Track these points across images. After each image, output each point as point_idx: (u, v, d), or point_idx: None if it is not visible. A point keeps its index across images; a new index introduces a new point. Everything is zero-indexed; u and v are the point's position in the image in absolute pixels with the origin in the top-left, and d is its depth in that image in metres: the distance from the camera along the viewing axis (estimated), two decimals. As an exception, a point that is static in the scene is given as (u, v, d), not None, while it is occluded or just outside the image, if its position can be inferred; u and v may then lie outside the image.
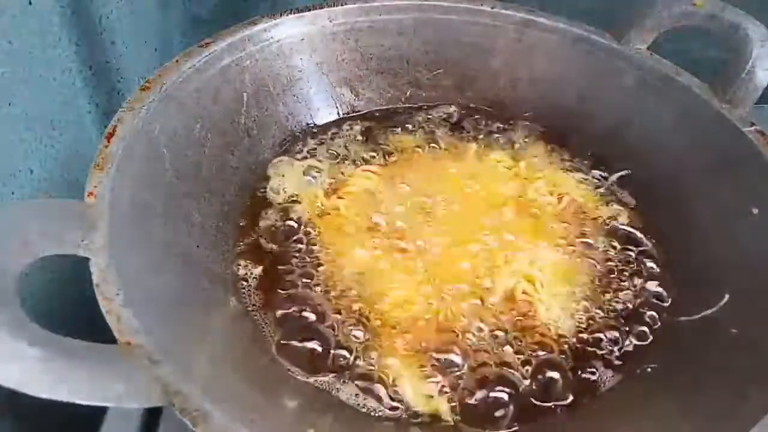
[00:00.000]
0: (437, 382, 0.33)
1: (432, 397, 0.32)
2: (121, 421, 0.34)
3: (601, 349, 0.35)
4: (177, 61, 0.39)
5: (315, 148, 0.46)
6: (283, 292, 0.36)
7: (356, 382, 0.32)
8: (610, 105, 0.47)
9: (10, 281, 0.24)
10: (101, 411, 0.34)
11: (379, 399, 0.32)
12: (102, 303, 0.25)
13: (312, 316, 0.35)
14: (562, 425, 0.32)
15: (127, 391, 0.22)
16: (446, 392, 0.32)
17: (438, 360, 0.33)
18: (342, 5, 0.48)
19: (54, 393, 0.21)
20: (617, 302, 0.38)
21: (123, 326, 0.25)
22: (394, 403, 0.32)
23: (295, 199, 0.41)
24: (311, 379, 0.32)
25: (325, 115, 0.49)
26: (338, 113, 0.49)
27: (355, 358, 0.33)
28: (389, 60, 0.50)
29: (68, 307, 0.47)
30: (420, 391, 0.32)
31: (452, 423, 0.31)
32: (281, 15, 0.46)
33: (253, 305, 0.35)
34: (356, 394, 0.32)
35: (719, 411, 0.30)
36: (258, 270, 0.37)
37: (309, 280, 0.37)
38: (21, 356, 0.22)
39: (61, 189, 0.47)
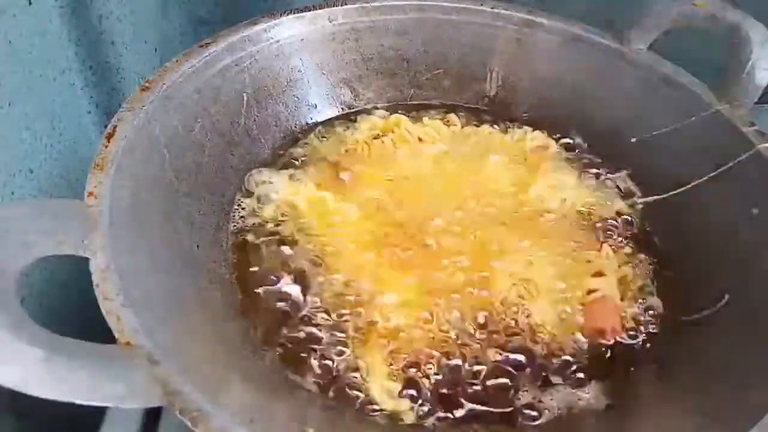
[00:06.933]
0: (429, 388, 0.32)
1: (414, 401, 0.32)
2: (121, 421, 0.34)
3: (601, 350, 0.35)
4: (177, 61, 0.39)
5: (313, 148, 0.46)
6: (280, 292, 0.36)
7: (352, 382, 0.32)
8: (610, 105, 0.47)
9: (10, 281, 0.24)
10: (101, 411, 0.34)
11: (373, 401, 0.32)
12: (102, 303, 0.25)
13: (308, 317, 0.35)
14: (563, 427, 0.32)
15: (127, 391, 0.22)
16: (439, 395, 0.32)
17: (430, 364, 0.33)
18: (342, 5, 0.48)
19: (54, 393, 0.21)
20: (617, 302, 0.38)
21: (123, 326, 0.25)
22: (386, 406, 0.32)
23: (291, 201, 0.41)
24: (308, 380, 0.32)
25: (325, 115, 0.49)
26: (338, 113, 0.49)
27: (351, 360, 0.33)
28: (389, 60, 0.50)
29: (68, 307, 0.48)
30: (394, 394, 0.32)
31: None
32: (281, 15, 0.45)
33: (252, 305, 0.35)
34: (352, 395, 0.32)
35: (719, 411, 0.30)
36: (256, 269, 0.37)
37: (305, 280, 0.36)
38: (21, 356, 0.22)
39: (61, 189, 0.47)
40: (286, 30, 0.46)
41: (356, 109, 0.50)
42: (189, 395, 0.23)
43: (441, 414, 0.32)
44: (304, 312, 0.35)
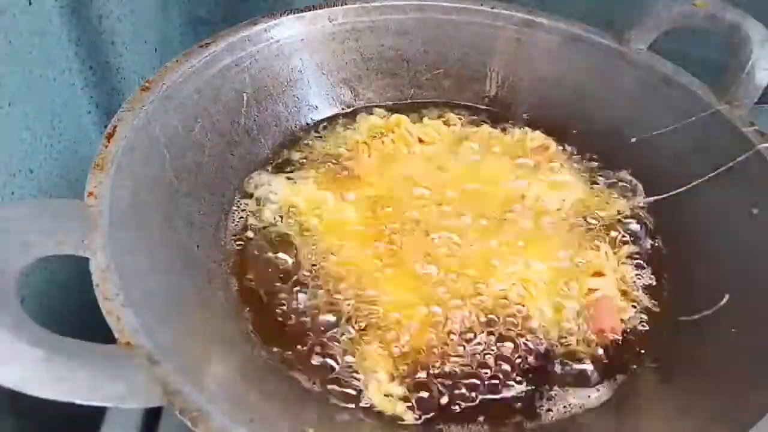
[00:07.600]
0: (429, 388, 0.32)
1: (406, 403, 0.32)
2: (121, 421, 0.34)
3: (601, 349, 0.35)
4: (177, 61, 0.39)
5: (313, 148, 0.46)
6: (280, 292, 0.36)
7: (352, 383, 0.32)
8: (610, 105, 0.47)
9: (10, 281, 0.24)
10: (101, 411, 0.34)
11: (373, 402, 0.32)
12: (102, 303, 0.25)
13: (308, 317, 0.35)
14: (565, 427, 0.32)
15: (127, 391, 0.22)
16: (439, 396, 0.32)
17: (430, 365, 0.33)
18: (342, 5, 0.48)
19: (54, 393, 0.22)
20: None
21: (123, 326, 0.25)
22: (386, 407, 0.32)
23: (292, 200, 0.41)
24: (308, 380, 0.32)
25: (325, 115, 0.49)
26: (338, 113, 0.49)
27: (351, 360, 0.33)
28: (389, 60, 0.50)
29: (68, 307, 0.48)
30: (394, 395, 0.32)
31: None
32: (281, 15, 0.46)
33: (252, 304, 0.35)
34: (352, 396, 0.32)
35: (719, 411, 0.30)
36: (256, 269, 0.37)
37: (305, 280, 0.36)
38: (21, 356, 0.22)
39: (61, 189, 0.47)
40: (286, 30, 0.46)
41: (356, 109, 0.50)
42: (189, 395, 0.23)
43: (441, 416, 0.32)
44: (304, 312, 0.35)
